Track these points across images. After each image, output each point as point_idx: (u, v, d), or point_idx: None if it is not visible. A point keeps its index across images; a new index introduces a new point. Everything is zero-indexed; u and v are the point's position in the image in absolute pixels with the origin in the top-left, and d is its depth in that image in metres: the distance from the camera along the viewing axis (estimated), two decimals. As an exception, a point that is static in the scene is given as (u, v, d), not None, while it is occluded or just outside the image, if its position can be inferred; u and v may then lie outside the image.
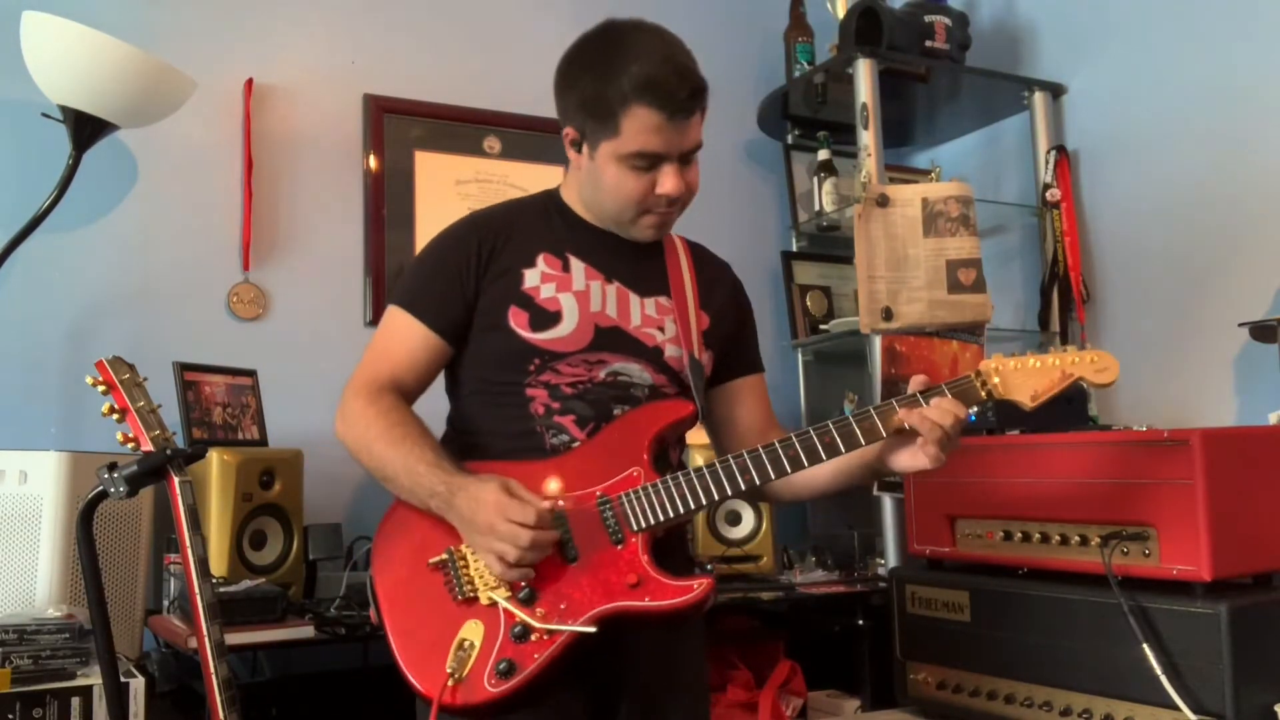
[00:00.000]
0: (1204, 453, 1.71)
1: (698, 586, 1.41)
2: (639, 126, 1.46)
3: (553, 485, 1.47)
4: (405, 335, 1.57)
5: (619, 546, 1.44)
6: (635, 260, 1.62)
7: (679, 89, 1.46)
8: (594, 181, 1.55)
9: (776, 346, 3.28)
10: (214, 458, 2.19)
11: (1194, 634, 1.67)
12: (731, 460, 1.47)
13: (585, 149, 1.54)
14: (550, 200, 1.65)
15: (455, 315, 1.56)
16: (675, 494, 1.45)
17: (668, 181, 1.51)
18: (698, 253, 1.71)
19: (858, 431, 1.46)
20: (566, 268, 1.57)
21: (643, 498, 1.45)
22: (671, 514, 1.45)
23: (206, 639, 1.46)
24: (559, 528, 1.44)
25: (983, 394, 1.47)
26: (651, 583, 1.42)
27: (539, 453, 1.52)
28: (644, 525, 1.45)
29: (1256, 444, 1.87)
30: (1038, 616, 1.88)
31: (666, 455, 1.58)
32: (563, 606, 1.41)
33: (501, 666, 1.39)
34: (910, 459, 1.47)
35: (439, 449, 1.48)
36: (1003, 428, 2.17)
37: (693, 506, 1.46)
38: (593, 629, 1.39)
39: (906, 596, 2.12)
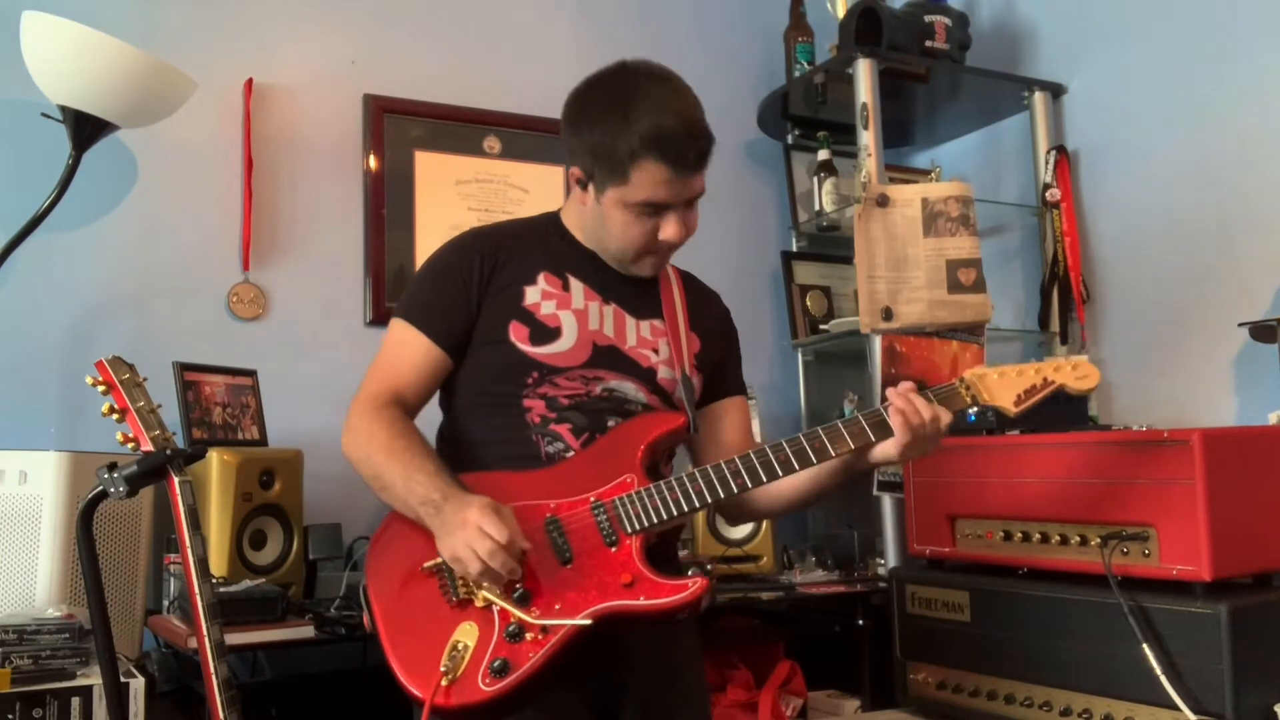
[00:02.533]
0: (1204, 453, 1.71)
1: (692, 585, 1.42)
2: (648, 179, 1.50)
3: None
4: (408, 348, 1.58)
5: (613, 549, 1.45)
6: (630, 285, 1.66)
7: (688, 148, 1.49)
8: (599, 222, 1.59)
9: (776, 346, 3.28)
10: (214, 458, 2.19)
11: (1194, 634, 1.66)
12: (724, 465, 1.49)
13: (592, 189, 1.57)
14: (551, 223, 1.68)
15: (457, 329, 1.58)
16: (669, 497, 1.47)
17: (669, 228, 1.55)
18: (689, 281, 1.76)
19: (845, 435, 1.49)
20: (566, 287, 1.61)
21: (637, 501, 1.47)
22: (665, 516, 1.46)
23: (206, 639, 1.46)
24: (552, 532, 1.46)
25: (967, 399, 1.51)
26: (646, 582, 1.42)
27: (534, 461, 1.53)
28: (638, 527, 1.46)
29: (1256, 444, 1.87)
30: (1038, 616, 1.88)
31: (658, 467, 1.59)
32: (557, 607, 1.42)
33: (496, 665, 1.38)
34: (882, 450, 1.50)
35: (440, 463, 1.49)
36: (1003, 428, 2.17)
37: (686, 509, 1.47)
38: (588, 622, 1.39)
39: (906, 596, 2.12)
